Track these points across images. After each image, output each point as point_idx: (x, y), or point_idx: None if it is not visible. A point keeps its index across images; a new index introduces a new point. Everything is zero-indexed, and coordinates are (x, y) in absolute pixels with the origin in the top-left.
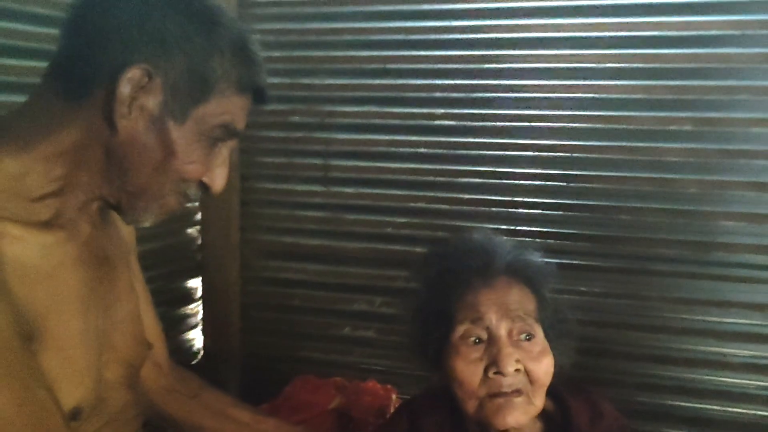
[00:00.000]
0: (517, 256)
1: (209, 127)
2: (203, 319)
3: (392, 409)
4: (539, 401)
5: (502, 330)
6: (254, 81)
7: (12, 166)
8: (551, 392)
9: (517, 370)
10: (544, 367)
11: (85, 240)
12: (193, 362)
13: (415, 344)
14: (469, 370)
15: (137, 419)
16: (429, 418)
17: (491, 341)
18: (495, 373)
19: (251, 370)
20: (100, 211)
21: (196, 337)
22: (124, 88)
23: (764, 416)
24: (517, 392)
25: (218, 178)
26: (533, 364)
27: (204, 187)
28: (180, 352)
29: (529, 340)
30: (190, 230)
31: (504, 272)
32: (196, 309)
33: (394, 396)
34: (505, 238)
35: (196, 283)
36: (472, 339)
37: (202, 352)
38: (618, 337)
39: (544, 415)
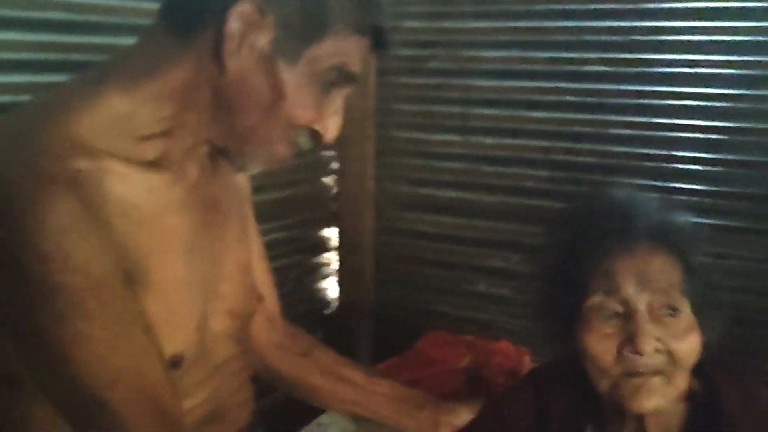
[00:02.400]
0: (663, 218)
1: (323, 68)
2: (339, 269)
3: (524, 372)
4: (681, 383)
5: (641, 304)
6: (373, 21)
7: (120, 105)
8: (697, 370)
9: (657, 350)
10: (689, 347)
11: (192, 184)
12: (327, 311)
13: (544, 309)
14: (601, 346)
15: (243, 373)
16: (558, 398)
17: (628, 316)
18: (631, 352)
19: (384, 322)
20: (211, 157)
21: (330, 287)
22: (234, 24)
23: None
24: (657, 372)
25: (331, 127)
26: (676, 343)
27: (316, 136)
28: (315, 301)
29: (672, 315)
30: (325, 179)
31: (646, 237)
32: (332, 258)
33: (527, 358)
34: (650, 196)
35: (332, 233)
36: (606, 312)
37: (337, 303)
38: None
39: (688, 395)
